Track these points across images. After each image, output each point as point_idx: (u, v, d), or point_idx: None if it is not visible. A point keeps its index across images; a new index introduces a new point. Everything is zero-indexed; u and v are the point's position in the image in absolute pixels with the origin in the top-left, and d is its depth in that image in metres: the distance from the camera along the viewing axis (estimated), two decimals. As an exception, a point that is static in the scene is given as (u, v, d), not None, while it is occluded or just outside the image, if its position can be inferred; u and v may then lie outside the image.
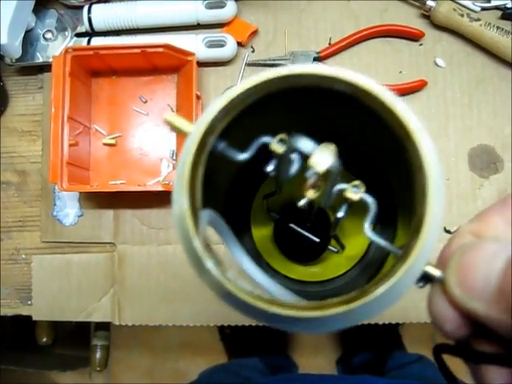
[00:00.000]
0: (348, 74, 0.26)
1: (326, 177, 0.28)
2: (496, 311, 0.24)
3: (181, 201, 0.25)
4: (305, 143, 0.26)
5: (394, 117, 0.25)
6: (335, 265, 0.53)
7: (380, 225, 0.50)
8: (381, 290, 0.24)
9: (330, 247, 0.51)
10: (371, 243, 0.53)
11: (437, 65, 0.70)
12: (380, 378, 1.02)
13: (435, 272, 0.26)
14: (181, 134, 0.28)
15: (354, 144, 0.37)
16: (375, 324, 0.67)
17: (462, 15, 0.67)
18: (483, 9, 0.69)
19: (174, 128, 0.29)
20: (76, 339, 1.51)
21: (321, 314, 0.24)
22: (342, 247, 0.50)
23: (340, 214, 0.31)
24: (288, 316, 0.24)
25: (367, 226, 0.28)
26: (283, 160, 0.29)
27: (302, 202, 0.31)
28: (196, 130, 0.26)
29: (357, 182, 0.28)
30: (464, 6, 0.69)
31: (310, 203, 0.31)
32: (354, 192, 0.28)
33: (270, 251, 0.54)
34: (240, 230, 0.50)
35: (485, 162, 0.68)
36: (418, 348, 1.26)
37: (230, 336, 1.45)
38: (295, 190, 0.31)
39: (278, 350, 1.42)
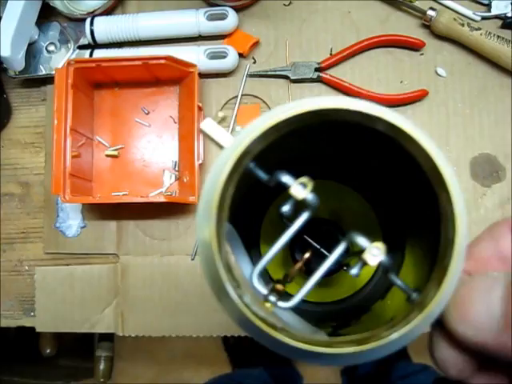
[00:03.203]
0: (393, 116, 0.25)
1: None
2: (506, 338, 0.23)
3: (207, 224, 0.25)
4: (361, 239, 0.26)
5: (429, 162, 0.25)
6: (342, 287, 0.53)
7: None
8: (395, 335, 0.24)
9: (345, 268, 0.50)
10: (376, 272, 0.52)
11: (438, 74, 0.70)
12: None
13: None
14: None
15: (375, 179, 0.37)
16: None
17: (463, 25, 0.67)
18: (484, 18, 0.69)
19: (209, 138, 0.29)
20: (80, 350, 1.51)
21: (331, 351, 0.24)
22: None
23: (354, 272, 0.29)
24: (299, 348, 0.24)
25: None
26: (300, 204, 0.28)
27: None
28: (232, 151, 0.25)
29: (379, 244, 0.26)
30: (464, 16, 0.69)
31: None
32: (374, 256, 0.26)
33: (277, 265, 0.54)
34: (248, 245, 0.50)
35: (487, 171, 0.68)
36: (423, 358, 1.25)
37: (234, 346, 1.44)
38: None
39: (282, 360, 1.42)
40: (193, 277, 0.70)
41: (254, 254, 0.53)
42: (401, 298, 0.40)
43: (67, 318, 0.71)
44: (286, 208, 0.28)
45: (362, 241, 0.26)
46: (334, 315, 0.52)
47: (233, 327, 0.69)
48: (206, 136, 0.29)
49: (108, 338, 1.47)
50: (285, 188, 0.27)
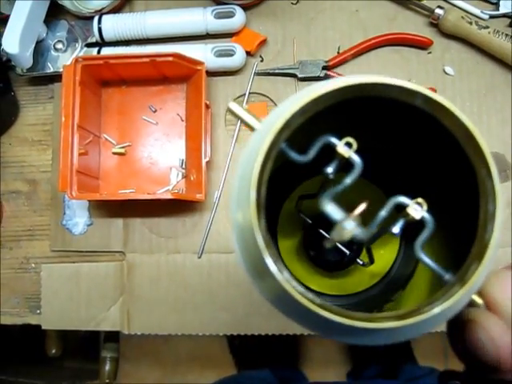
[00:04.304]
0: (429, 92, 0.26)
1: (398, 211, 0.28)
2: None
3: (246, 198, 0.25)
4: (403, 198, 0.27)
5: (469, 138, 0.25)
6: (357, 280, 0.53)
7: (405, 241, 0.50)
8: (437, 309, 0.23)
9: (358, 260, 0.50)
10: (395, 262, 0.52)
11: (446, 73, 0.70)
12: (393, 381, 1.01)
13: (477, 299, 0.26)
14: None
15: (402, 159, 0.37)
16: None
17: (471, 23, 0.67)
18: (491, 16, 0.69)
19: (237, 118, 0.29)
20: (85, 352, 1.51)
21: (372, 326, 0.23)
22: (372, 261, 0.49)
23: (396, 230, 0.29)
24: (340, 323, 0.23)
25: (419, 247, 0.27)
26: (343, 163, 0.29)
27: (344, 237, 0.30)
28: (272, 124, 0.25)
29: (420, 200, 0.27)
30: (472, 14, 0.69)
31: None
32: (417, 210, 0.27)
33: (291, 259, 0.54)
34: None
35: (495, 169, 0.68)
36: (430, 361, 1.24)
37: (239, 348, 1.44)
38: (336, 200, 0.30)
39: (288, 362, 1.41)
40: (199, 275, 0.69)
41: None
42: (424, 285, 0.40)
43: (73, 316, 0.71)
44: (330, 169, 0.29)
45: (403, 199, 0.27)
46: (354, 308, 0.52)
47: (237, 326, 0.69)
48: (234, 115, 0.29)
49: (113, 338, 1.47)
50: (312, 172, 0.28)
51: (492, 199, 0.25)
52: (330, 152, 0.27)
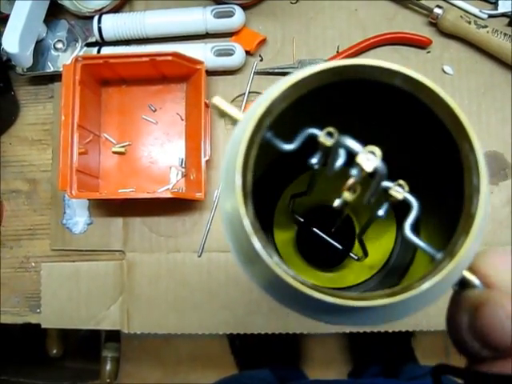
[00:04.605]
0: (410, 71, 0.26)
1: (370, 177, 0.28)
2: None
3: (232, 186, 0.25)
4: (352, 142, 0.26)
5: (450, 114, 0.26)
6: (354, 273, 0.53)
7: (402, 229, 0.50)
8: (426, 285, 0.24)
9: (352, 254, 0.51)
10: (393, 251, 0.52)
11: (445, 72, 0.70)
12: (394, 379, 1.01)
13: (473, 278, 0.26)
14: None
15: (389, 144, 0.37)
16: (385, 333, 0.66)
17: (469, 22, 0.67)
18: (490, 16, 0.69)
19: (221, 113, 0.29)
20: (86, 352, 1.51)
21: (366, 304, 0.24)
22: (366, 254, 0.49)
23: (380, 213, 0.30)
24: (333, 304, 0.24)
25: (408, 228, 0.27)
26: (328, 154, 0.29)
27: (336, 203, 0.30)
28: (254, 111, 0.26)
29: (401, 182, 0.28)
30: (471, 14, 0.69)
31: (340, 208, 0.31)
32: (398, 191, 0.28)
33: (288, 254, 0.54)
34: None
35: (494, 168, 0.68)
36: (431, 360, 1.24)
37: (240, 348, 1.44)
38: (326, 194, 0.31)
39: (289, 362, 1.41)
40: (199, 274, 0.70)
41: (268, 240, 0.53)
42: (424, 269, 0.40)
43: (73, 315, 0.71)
44: (314, 160, 0.29)
45: (386, 183, 0.28)
46: None
47: (237, 325, 0.69)
48: (218, 110, 0.29)
49: (114, 338, 1.47)
50: (302, 168, 0.28)
51: (476, 172, 0.25)
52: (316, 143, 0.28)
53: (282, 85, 0.26)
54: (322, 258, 0.52)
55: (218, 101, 0.29)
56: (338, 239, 0.49)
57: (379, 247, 0.51)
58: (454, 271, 0.24)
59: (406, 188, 0.28)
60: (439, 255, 0.26)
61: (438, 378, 0.29)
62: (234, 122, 0.28)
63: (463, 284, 0.26)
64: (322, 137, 0.27)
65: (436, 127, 0.26)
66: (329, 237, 0.50)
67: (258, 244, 0.24)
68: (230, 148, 0.27)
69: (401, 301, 0.24)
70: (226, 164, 0.27)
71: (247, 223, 0.24)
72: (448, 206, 0.31)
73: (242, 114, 0.28)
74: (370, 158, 0.26)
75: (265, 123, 0.26)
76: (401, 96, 0.27)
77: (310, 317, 0.27)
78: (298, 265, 0.54)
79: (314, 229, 0.48)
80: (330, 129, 0.27)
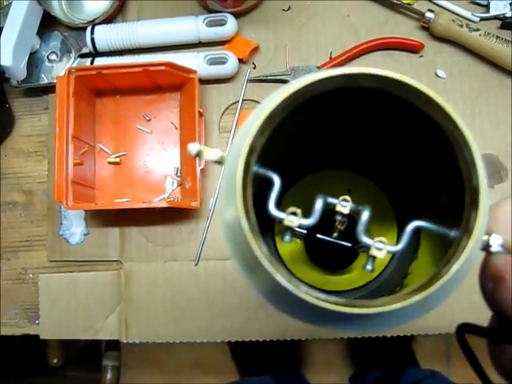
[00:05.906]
0: (377, 70, 0.27)
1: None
2: None
3: (233, 190, 0.25)
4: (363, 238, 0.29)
5: (429, 102, 0.26)
6: (357, 275, 0.53)
7: (402, 220, 0.50)
8: (456, 267, 0.24)
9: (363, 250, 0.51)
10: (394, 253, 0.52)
11: (438, 76, 0.70)
12: None
13: (496, 238, 0.26)
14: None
15: (382, 147, 0.38)
16: (384, 337, 0.66)
17: (462, 26, 0.67)
18: (482, 19, 0.69)
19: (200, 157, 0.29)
20: (87, 361, 1.51)
21: (402, 305, 0.24)
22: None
23: (368, 268, 0.31)
24: (344, 313, 0.24)
25: (361, 230, 0.28)
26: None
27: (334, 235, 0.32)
28: (254, 119, 0.26)
29: (346, 197, 0.30)
30: (463, 17, 0.69)
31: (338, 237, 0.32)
32: (344, 206, 0.30)
33: (291, 259, 0.55)
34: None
35: (489, 171, 0.68)
36: (432, 364, 1.24)
37: (241, 355, 1.44)
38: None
39: (290, 367, 1.41)
40: (196, 282, 0.70)
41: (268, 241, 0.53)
42: (431, 249, 0.40)
43: (71, 325, 0.71)
44: (287, 238, 0.31)
45: (365, 239, 0.29)
46: (377, 293, 0.52)
47: (236, 332, 0.69)
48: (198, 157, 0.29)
49: (115, 347, 1.47)
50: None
51: (466, 147, 0.25)
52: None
53: (281, 93, 0.26)
54: (335, 260, 0.53)
55: (193, 147, 0.28)
56: (346, 238, 0.49)
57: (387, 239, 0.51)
58: (475, 247, 0.24)
59: (350, 202, 0.30)
60: (453, 233, 0.26)
61: (462, 336, 0.29)
62: (218, 162, 0.29)
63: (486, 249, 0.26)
64: (339, 206, 0.30)
65: (427, 123, 0.27)
66: (335, 239, 0.50)
67: (258, 251, 0.24)
68: (231, 156, 0.27)
69: (436, 291, 0.24)
70: (227, 173, 0.27)
71: (245, 223, 0.24)
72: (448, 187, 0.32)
73: (221, 152, 0.28)
74: (344, 204, 0.29)
75: (266, 131, 0.26)
76: (397, 107, 0.28)
77: (315, 325, 0.27)
78: (302, 268, 0.54)
79: (318, 235, 0.48)
80: (293, 209, 0.28)
